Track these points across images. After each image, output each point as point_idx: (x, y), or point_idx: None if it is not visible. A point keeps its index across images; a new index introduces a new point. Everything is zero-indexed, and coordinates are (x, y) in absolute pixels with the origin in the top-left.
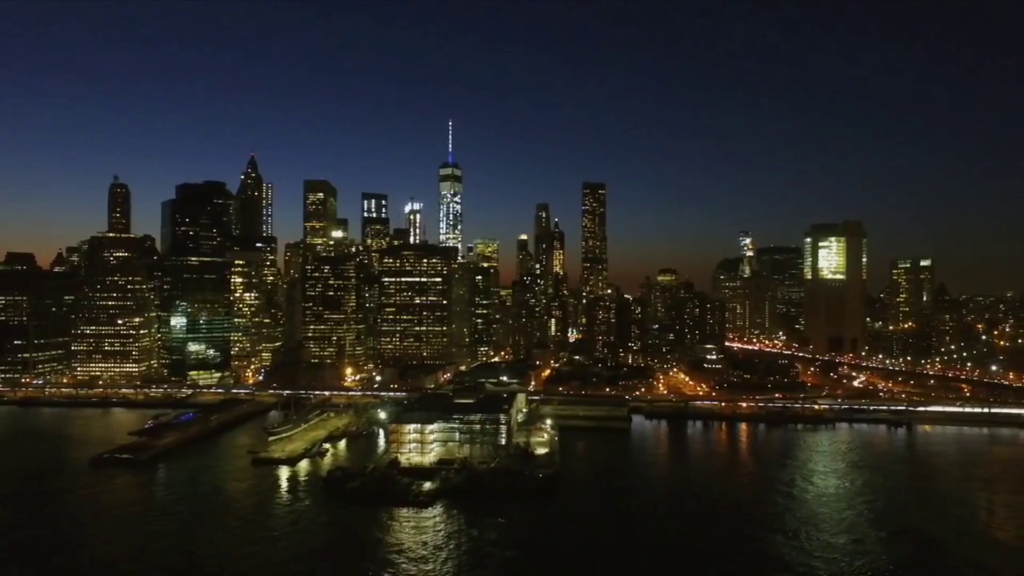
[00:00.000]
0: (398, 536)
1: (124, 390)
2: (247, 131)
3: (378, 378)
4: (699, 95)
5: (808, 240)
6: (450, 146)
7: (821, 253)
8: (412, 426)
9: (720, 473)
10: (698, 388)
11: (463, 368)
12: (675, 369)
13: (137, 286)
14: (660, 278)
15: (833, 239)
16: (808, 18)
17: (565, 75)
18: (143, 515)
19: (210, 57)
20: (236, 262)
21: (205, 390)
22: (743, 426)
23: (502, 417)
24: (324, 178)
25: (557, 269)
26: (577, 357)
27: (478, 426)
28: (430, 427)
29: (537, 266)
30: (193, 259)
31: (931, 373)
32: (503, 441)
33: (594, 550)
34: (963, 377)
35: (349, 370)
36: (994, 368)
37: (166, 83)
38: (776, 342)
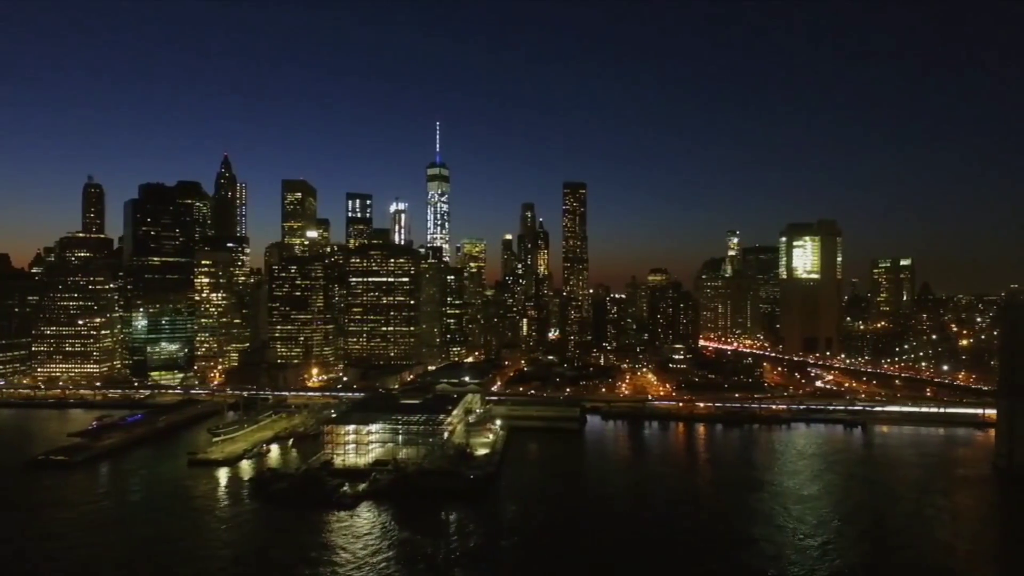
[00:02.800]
0: (308, 537)
1: (83, 391)
2: (233, 131)
3: (344, 378)
4: (696, 95)
5: (783, 239)
6: (438, 146)
7: (795, 252)
8: (349, 427)
9: (666, 472)
10: (661, 388)
11: (431, 368)
12: (644, 369)
13: (99, 286)
14: (650, 278)
15: (807, 238)
16: (792, 20)
17: (555, 75)
18: (62, 517)
19: (196, 57)
20: (203, 262)
21: (164, 391)
22: (700, 426)
23: (442, 417)
24: (311, 178)
25: (542, 268)
26: (551, 357)
27: (417, 427)
28: (367, 428)
29: (519, 266)
30: (155, 259)
31: (894, 373)
32: (443, 442)
33: (511, 551)
34: (927, 378)
35: (316, 370)
36: (945, 368)
37: (149, 83)
38: (755, 342)
